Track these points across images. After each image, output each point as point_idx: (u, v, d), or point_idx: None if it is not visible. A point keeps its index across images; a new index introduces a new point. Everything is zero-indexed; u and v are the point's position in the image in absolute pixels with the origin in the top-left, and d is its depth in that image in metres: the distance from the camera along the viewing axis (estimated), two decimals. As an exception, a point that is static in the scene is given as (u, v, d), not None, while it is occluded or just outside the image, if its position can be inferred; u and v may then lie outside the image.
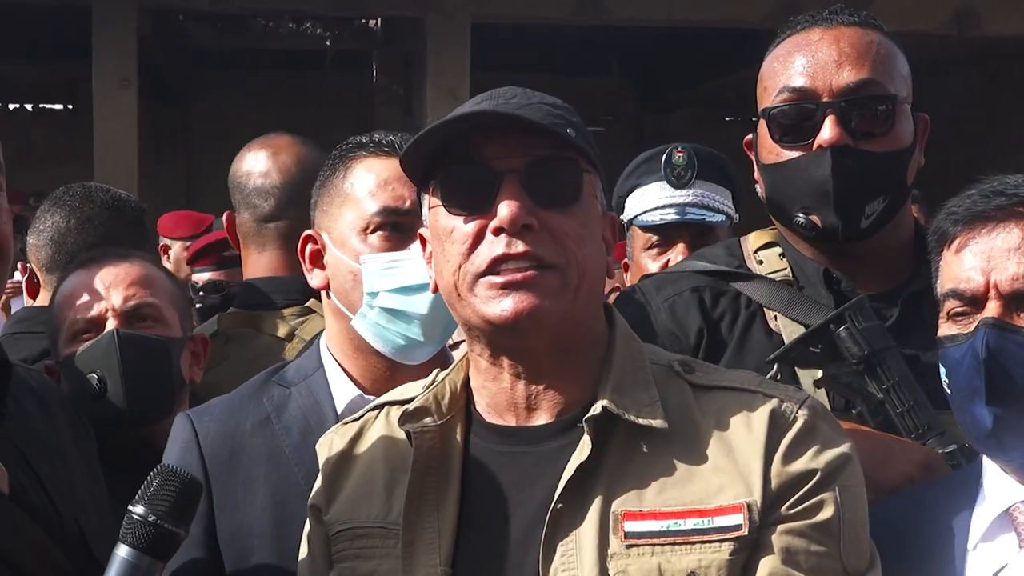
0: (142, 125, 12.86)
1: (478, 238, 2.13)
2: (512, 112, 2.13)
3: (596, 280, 2.20)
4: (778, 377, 2.64)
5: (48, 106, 17.91)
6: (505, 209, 2.10)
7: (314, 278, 2.81)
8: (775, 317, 2.82)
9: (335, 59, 15.45)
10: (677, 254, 4.13)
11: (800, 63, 2.78)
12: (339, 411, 2.72)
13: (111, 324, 3.26)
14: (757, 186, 2.92)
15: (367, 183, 2.73)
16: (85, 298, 3.29)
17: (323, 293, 2.83)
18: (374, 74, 15.57)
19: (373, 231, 2.71)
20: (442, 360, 2.79)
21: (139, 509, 2.16)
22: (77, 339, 3.28)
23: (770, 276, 2.88)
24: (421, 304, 2.66)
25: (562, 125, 2.14)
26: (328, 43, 15.20)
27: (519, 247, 2.10)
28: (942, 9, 13.06)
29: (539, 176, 2.13)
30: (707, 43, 15.04)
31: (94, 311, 3.28)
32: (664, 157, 4.24)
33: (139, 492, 2.19)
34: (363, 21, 14.90)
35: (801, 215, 2.76)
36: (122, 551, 2.16)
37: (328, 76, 15.80)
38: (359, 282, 2.71)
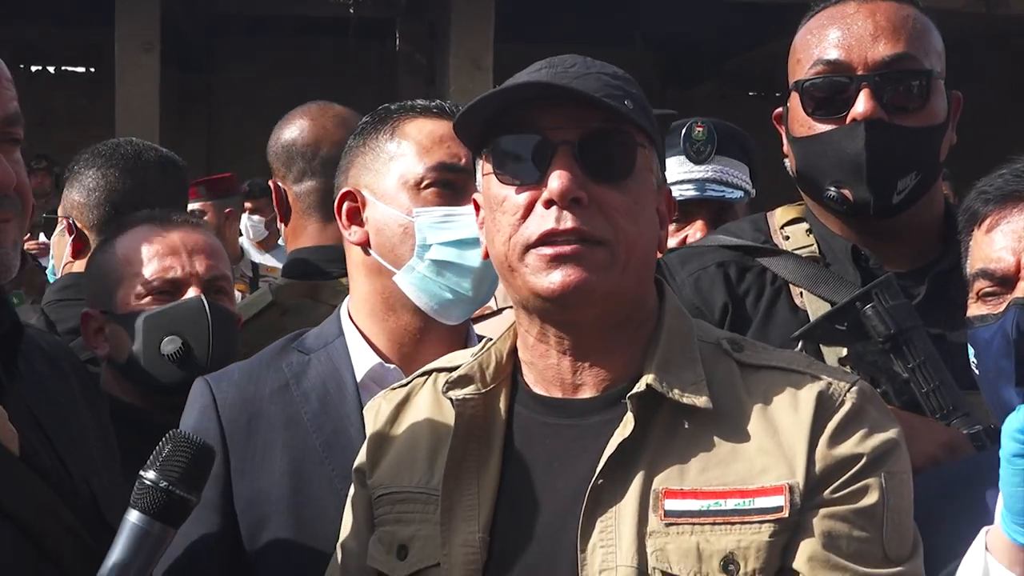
0: (164, 91, 12.86)
1: (529, 209, 2.12)
2: (568, 84, 2.10)
3: (646, 256, 2.18)
4: (804, 353, 2.61)
5: (70, 69, 17.91)
6: (556, 181, 2.08)
7: (352, 234, 2.77)
8: (801, 293, 2.80)
9: (358, 27, 15.39)
10: (696, 231, 4.11)
11: (835, 36, 2.75)
12: (359, 379, 2.70)
13: (193, 290, 3.25)
14: (786, 160, 2.89)
15: (421, 140, 2.72)
16: (166, 258, 3.27)
17: (355, 253, 2.80)
18: (397, 43, 15.53)
19: (427, 187, 2.69)
20: (464, 334, 2.79)
21: (151, 474, 2.15)
22: (151, 297, 3.24)
23: (796, 252, 2.85)
24: (474, 258, 2.63)
25: (620, 97, 2.12)
26: (351, 11, 15.14)
27: (568, 222, 2.08)
28: (970, -14, 12.99)
29: (593, 149, 2.11)
30: (732, 17, 14.99)
31: (177, 273, 3.26)
32: (684, 131, 4.21)
33: (151, 457, 2.18)
34: (387, -11, 14.87)
35: (832, 189, 2.74)
36: (133, 516, 2.15)
37: (351, 44, 15.76)
38: (409, 235, 2.69)
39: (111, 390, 3.14)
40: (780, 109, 2.90)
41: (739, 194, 4.19)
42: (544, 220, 2.10)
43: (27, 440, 2.25)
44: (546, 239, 2.09)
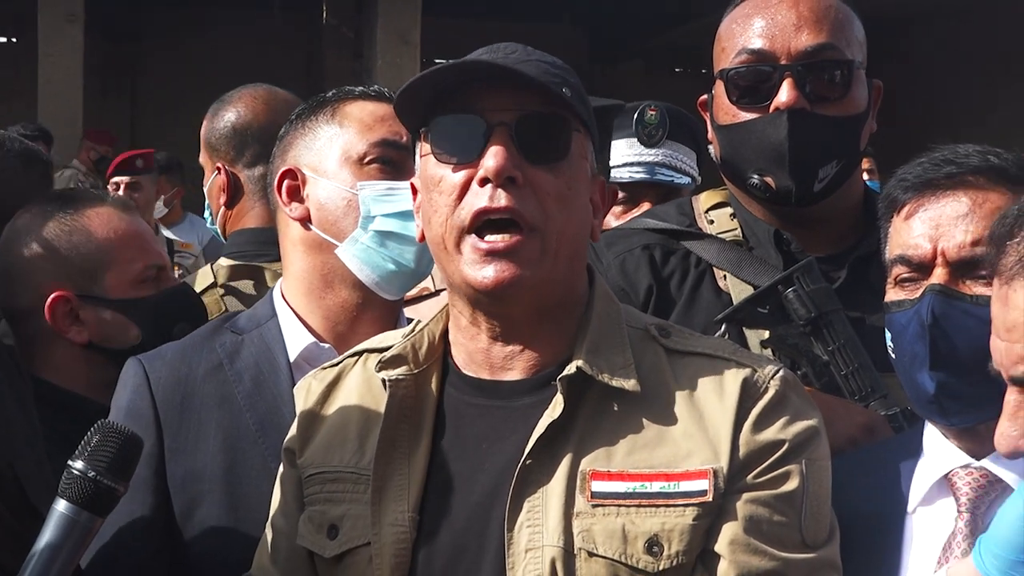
0: (88, 62, 12.74)
1: (465, 189, 2.15)
2: (509, 65, 2.14)
3: (577, 244, 2.21)
4: (727, 336, 2.66)
5: (-8, 39, 17.69)
6: (492, 160, 2.11)
7: (293, 210, 2.79)
8: (724, 277, 2.84)
9: (284, 0, 15.32)
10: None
11: (759, 25, 2.78)
12: (292, 358, 2.72)
13: (168, 277, 3.23)
14: (710, 146, 2.93)
15: (363, 118, 2.77)
16: (151, 245, 3.21)
17: (293, 230, 2.81)
18: (324, 16, 15.47)
19: (370, 162, 2.74)
20: (396, 315, 2.82)
21: (79, 464, 2.16)
22: (142, 284, 3.14)
23: (720, 236, 2.89)
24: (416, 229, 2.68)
25: (559, 84, 2.15)
26: (278, -17, 15.08)
27: (502, 200, 2.11)
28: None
29: (529, 131, 2.14)
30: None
31: (161, 260, 3.21)
32: (636, 114, 4.23)
33: (79, 447, 2.18)
34: (314, -38, 14.80)
35: (755, 176, 2.77)
36: (60, 506, 2.15)
37: (277, 17, 15.67)
38: (352, 208, 2.72)
39: (64, 377, 3.04)
40: (705, 96, 2.93)
41: (687, 180, 4.22)
42: (478, 197, 2.13)
43: None
44: (480, 218, 2.12)
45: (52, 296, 3.06)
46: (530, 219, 2.12)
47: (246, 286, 3.72)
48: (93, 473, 2.15)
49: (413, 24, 12.74)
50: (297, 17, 16.42)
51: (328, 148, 2.77)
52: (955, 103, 15.57)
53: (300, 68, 16.36)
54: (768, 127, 2.74)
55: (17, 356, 2.69)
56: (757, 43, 2.77)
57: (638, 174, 4.15)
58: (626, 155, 4.16)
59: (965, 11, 15.16)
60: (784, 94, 2.73)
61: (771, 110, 2.74)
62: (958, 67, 15.84)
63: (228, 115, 3.87)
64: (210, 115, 3.92)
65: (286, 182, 2.80)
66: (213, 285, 3.74)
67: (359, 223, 2.72)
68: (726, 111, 2.82)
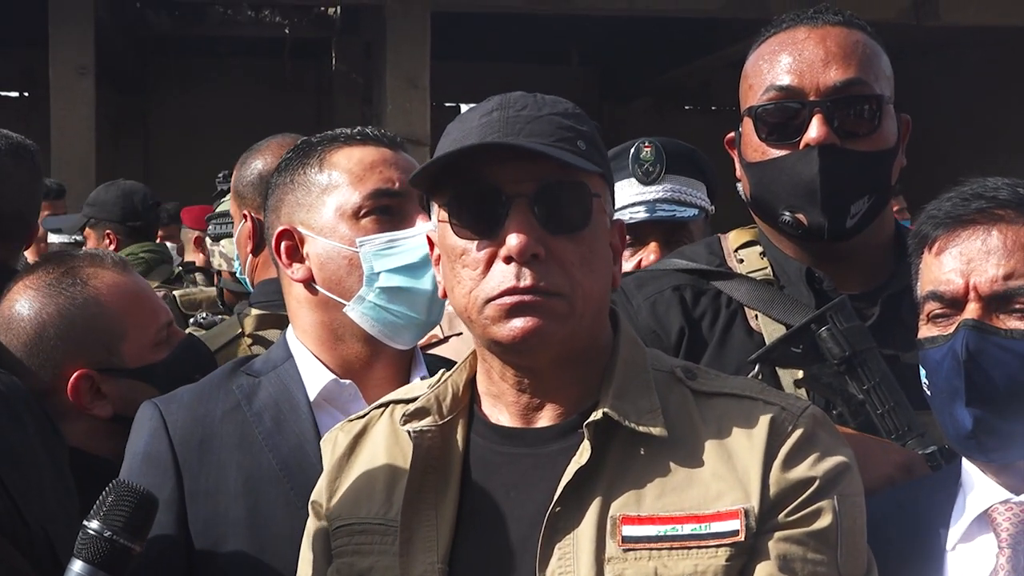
0: (100, 114, 12.78)
1: (489, 263, 2.13)
2: (519, 142, 2.11)
3: (601, 300, 2.20)
4: (759, 377, 2.65)
5: (4, 94, 17.76)
6: (515, 240, 2.10)
7: (295, 272, 2.76)
8: (756, 316, 2.82)
9: (294, 47, 15.39)
10: (649, 252, 4.10)
11: (786, 61, 2.78)
12: (311, 397, 2.70)
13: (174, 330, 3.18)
14: (739, 184, 2.92)
15: (352, 168, 2.73)
16: (159, 304, 3.14)
17: (296, 289, 2.79)
18: (333, 62, 15.52)
19: (365, 215, 2.70)
20: (411, 356, 2.80)
21: (94, 524, 2.16)
22: (157, 346, 3.07)
23: (751, 275, 2.88)
24: (424, 281, 2.66)
25: (572, 138, 2.14)
26: (287, 31, 15.13)
27: (527, 279, 2.10)
28: (901, -1, 13.13)
29: (548, 201, 2.13)
30: (667, 32, 15.07)
31: (170, 316, 3.15)
32: (632, 153, 4.20)
33: (94, 507, 2.18)
34: (322, 9, 14.85)
35: (787, 213, 2.77)
36: (76, 566, 2.16)
37: (287, 65, 15.74)
38: (355, 266, 2.70)
39: (95, 448, 2.94)
40: (732, 134, 2.92)
41: (693, 212, 4.17)
42: (504, 277, 2.12)
43: None
44: (507, 295, 2.12)
45: (74, 376, 2.97)
46: (555, 290, 2.12)
47: (273, 335, 3.68)
48: (109, 533, 2.15)
49: (422, 68, 12.76)
50: (306, 63, 16.48)
51: (320, 203, 2.74)
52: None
53: (310, 114, 16.39)
54: (799, 163, 2.74)
55: (53, 421, 2.66)
56: (785, 80, 2.77)
57: (638, 214, 4.11)
58: (628, 196, 4.10)
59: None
60: (814, 130, 2.72)
61: (801, 146, 2.74)
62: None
63: (256, 163, 3.88)
64: (239, 164, 3.93)
65: (284, 243, 2.77)
66: (241, 335, 3.73)
67: (364, 281, 2.69)
68: (755, 148, 2.81)
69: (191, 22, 15.07)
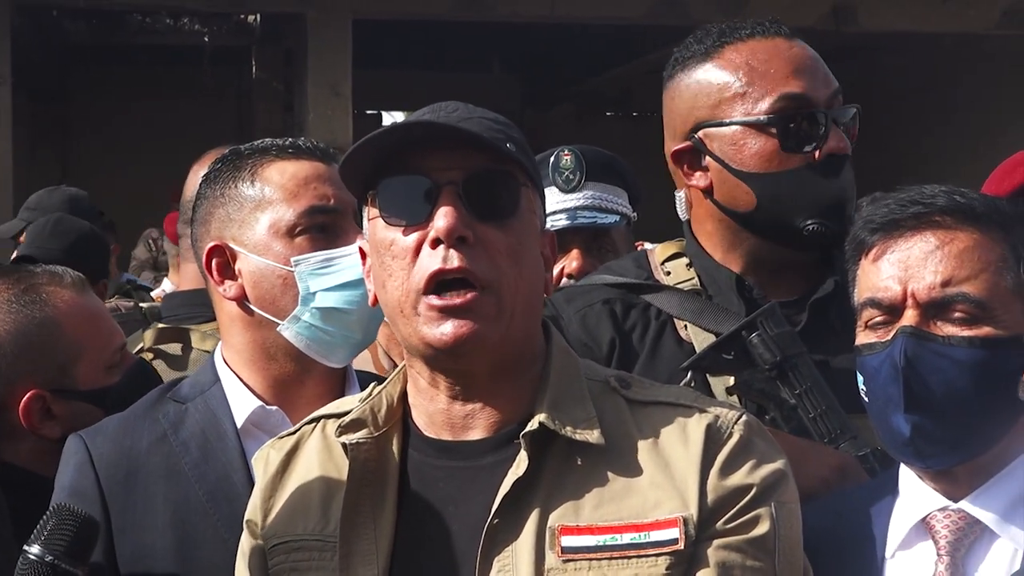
0: (17, 124, 12.61)
1: (418, 251, 2.12)
2: (452, 124, 2.12)
3: (532, 299, 2.19)
4: (692, 384, 2.65)
5: (-82, 104, 17.50)
6: (442, 220, 2.09)
7: (228, 290, 2.69)
8: (685, 326, 2.81)
9: (214, 55, 15.27)
10: (572, 260, 4.10)
11: (790, 69, 2.77)
12: (239, 424, 2.66)
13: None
14: (679, 195, 2.89)
15: (285, 184, 2.67)
16: (113, 325, 3.08)
17: (228, 307, 2.73)
18: (253, 70, 15.43)
19: (300, 233, 2.65)
20: (341, 375, 2.77)
21: (35, 549, 2.12)
22: (111, 369, 3.01)
23: (678, 286, 2.87)
24: (359, 299, 2.60)
25: (502, 140, 2.14)
26: (206, 39, 15.02)
27: (455, 261, 2.09)
28: (822, 4, 13.24)
29: (477, 189, 2.12)
30: (587, 39, 15.11)
31: (122, 338, 3.09)
32: (551, 161, 4.19)
33: (35, 531, 2.14)
34: (242, 17, 14.76)
35: (812, 223, 2.74)
36: None
37: (207, 72, 15.61)
38: (290, 285, 2.65)
39: (39, 468, 2.87)
40: (682, 145, 2.85)
41: (614, 218, 4.16)
42: (432, 259, 2.10)
43: None
44: (434, 280, 2.10)
45: (27, 396, 2.91)
46: (483, 277, 2.11)
47: (173, 348, 3.70)
48: (51, 558, 2.10)
49: (343, 76, 12.71)
50: (227, 71, 16.35)
51: (253, 219, 2.68)
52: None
53: (231, 122, 16.28)
54: (827, 173, 2.75)
55: None
56: (796, 87, 2.75)
57: (559, 221, 4.11)
58: (549, 205, 4.06)
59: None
60: (837, 140, 2.74)
61: (820, 156, 2.75)
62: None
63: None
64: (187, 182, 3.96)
65: (215, 259, 2.71)
66: (142, 349, 3.70)
67: (299, 300, 2.64)
68: (765, 157, 2.76)
69: (109, 30, 14.92)
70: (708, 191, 2.83)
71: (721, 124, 2.79)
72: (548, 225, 4.00)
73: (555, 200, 4.10)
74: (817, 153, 2.75)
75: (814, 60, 2.79)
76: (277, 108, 14.90)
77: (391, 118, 18.61)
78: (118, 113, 16.60)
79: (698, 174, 2.83)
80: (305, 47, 12.85)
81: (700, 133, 2.81)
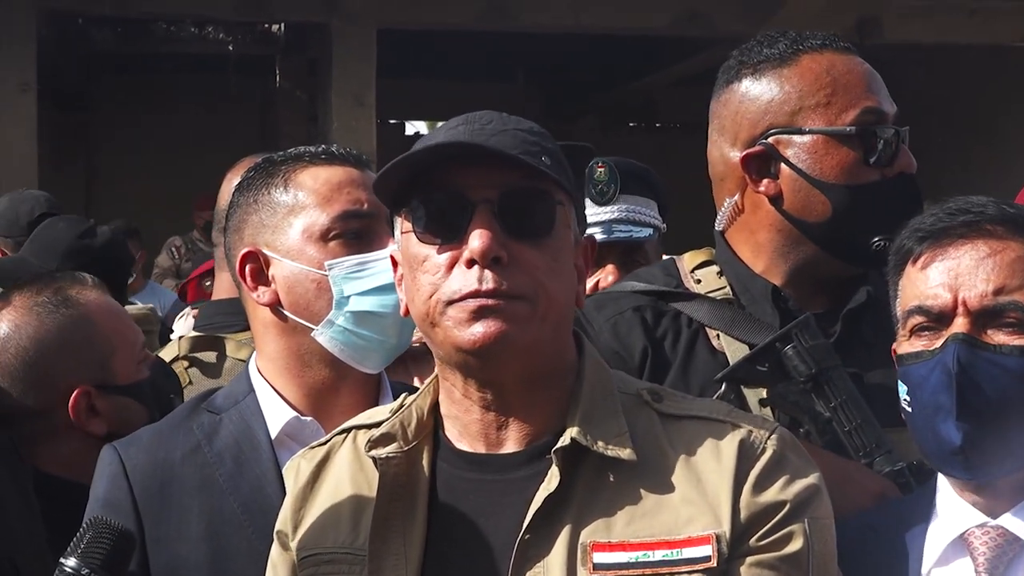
0: (41, 131, 12.64)
1: (450, 268, 2.11)
2: (485, 143, 2.10)
3: (565, 311, 2.17)
4: (731, 397, 2.62)
5: (-57, 111, 17.56)
6: (477, 241, 2.07)
7: (262, 295, 2.69)
8: (718, 336, 2.79)
9: (238, 64, 15.30)
10: (607, 274, 4.08)
11: (869, 85, 2.76)
12: (273, 434, 2.64)
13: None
14: (729, 200, 2.84)
15: (318, 189, 2.67)
16: (132, 321, 3.15)
17: (262, 313, 2.72)
18: (277, 80, 15.45)
19: (333, 238, 2.64)
20: (378, 381, 2.75)
21: (71, 562, 2.11)
22: (141, 364, 3.11)
23: (709, 295, 2.84)
24: (395, 303, 2.57)
25: (537, 153, 2.12)
26: (231, 47, 15.05)
27: (489, 283, 2.07)
28: (846, 17, 13.21)
29: (512, 208, 2.10)
30: (612, 50, 15.10)
31: (142, 335, 3.17)
32: (586, 174, 4.17)
33: (72, 544, 2.13)
34: (266, 26, 14.79)
35: (880, 239, 2.69)
36: None
37: (231, 81, 15.64)
38: (324, 289, 2.63)
39: (73, 472, 2.91)
40: (754, 150, 2.79)
41: (648, 232, 4.16)
42: (466, 279, 2.09)
43: None
44: (468, 299, 2.09)
45: (75, 393, 2.98)
46: (519, 293, 2.09)
47: (208, 356, 3.70)
48: (87, 571, 2.09)
49: (367, 86, 12.71)
50: (251, 81, 16.37)
51: (286, 224, 2.67)
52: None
53: (255, 132, 16.30)
54: (905, 189, 2.75)
55: (17, 447, 2.61)
56: (873, 102, 2.74)
57: (596, 235, 4.09)
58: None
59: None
60: (908, 158, 2.75)
61: (896, 173, 2.75)
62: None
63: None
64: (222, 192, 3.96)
65: (248, 265, 2.70)
66: (177, 357, 3.71)
67: (333, 304, 2.63)
68: (849, 170, 2.74)
69: (134, 39, 14.97)
70: (776, 199, 2.78)
71: (800, 131, 2.75)
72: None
73: (589, 212, 4.09)
74: (891, 170, 2.74)
75: (880, 79, 2.78)
76: (301, 117, 14.92)
77: (414, 128, 18.65)
78: (142, 121, 16.63)
79: (766, 181, 2.78)
80: (329, 56, 12.86)
81: (772, 139, 2.77)
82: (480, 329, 2.07)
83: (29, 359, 3.00)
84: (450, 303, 2.09)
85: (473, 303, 2.08)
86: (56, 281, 3.14)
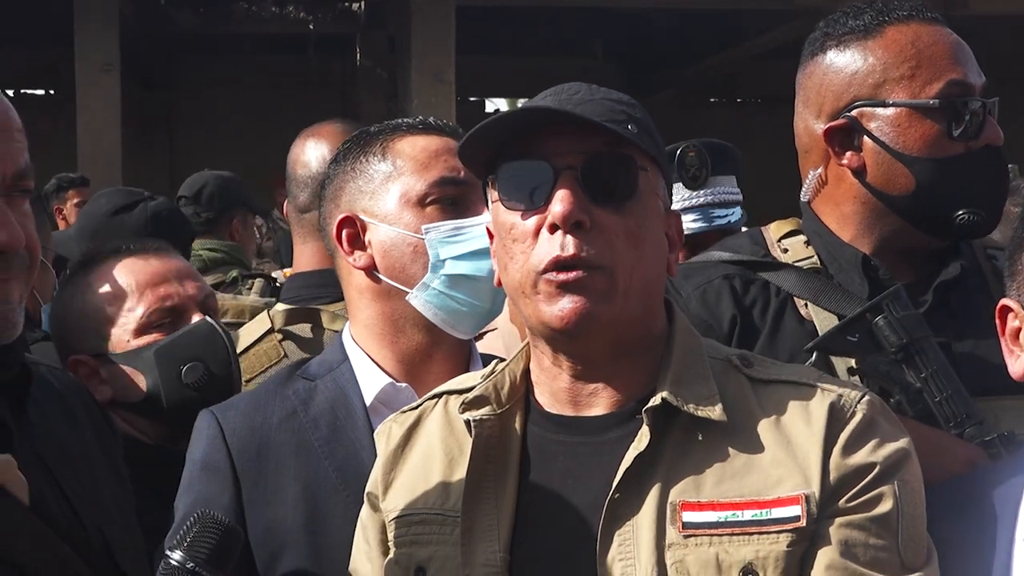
0: (125, 111, 12.77)
1: (536, 234, 2.15)
2: (570, 109, 2.13)
3: (649, 280, 2.20)
4: (816, 365, 2.61)
5: (30, 92, 17.77)
6: (559, 205, 2.11)
7: (358, 259, 2.74)
8: (806, 305, 2.79)
9: (318, 43, 15.36)
10: None
11: (956, 56, 2.73)
12: (368, 401, 2.68)
13: (197, 315, 3.16)
14: (812, 175, 2.84)
15: (416, 156, 2.72)
16: (159, 287, 3.14)
17: (357, 278, 2.76)
18: (358, 58, 15.51)
19: (430, 203, 2.69)
20: (468, 350, 2.78)
21: (177, 555, 2.13)
22: (151, 329, 3.12)
23: (797, 264, 2.84)
24: (489, 269, 2.60)
25: (623, 121, 2.15)
26: (311, 27, 15.11)
27: (571, 248, 2.11)
28: (929, -12, 13.06)
29: (595, 173, 2.14)
30: (692, 24, 15.04)
31: (175, 300, 3.15)
32: (676, 158, 4.18)
33: (177, 537, 2.16)
34: (346, 4, 14.83)
35: (965, 212, 2.70)
36: None
37: (312, 60, 15.72)
38: (420, 253, 2.68)
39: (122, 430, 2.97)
40: (837, 123, 2.78)
41: (737, 211, 4.17)
42: (551, 246, 2.13)
43: (37, 489, 2.19)
44: (552, 266, 2.13)
45: (71, 360, 3.12)
46: (597, 262, 2.12)
47: (303, 329, 3.69)
48: (192, 564, 2.12)
49: (447, 63, 12.72)
50: (331, 59, 16.44)
51: (384, 190, 2.72)
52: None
53: (335, 110, 16.31)
54: (988, 164, 2.73)
55: (109, 417, 2.65)
56: (959, 74, 2.72)
57: (695, 223, 4.10)
58: (676, 202, 4.08)
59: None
60: (994, 130, 2.72)
61: (979, 146, 2.72)
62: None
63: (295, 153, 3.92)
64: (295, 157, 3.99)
65: (345, 230, 2.75)
66: (271, 331, 3.71)
67: (429, 268, 2.67)
68: (933, 144, 2.72)
69: (216, 19, 15.05)
70: (859, 171, 2.77)
71: (884, 104, 2.73)
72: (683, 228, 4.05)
73: (679, 197, 4.10)
74: (977, 143, 2.72)
75: (969, 50, 2.75)
76: (381, 95, 14.95)
77: (494, 105, 18.65)
78: (223, 100, 16.76)
79: (849, 154, 2.77)
80: (409, 34, 12.88)
81: (855, 112, 2.76)
82: (567, 305, 2.12)
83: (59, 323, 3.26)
84: (540, 275, 2.13)
85: (555, 277, 2.11)
86: (104, 251, 3.27)
